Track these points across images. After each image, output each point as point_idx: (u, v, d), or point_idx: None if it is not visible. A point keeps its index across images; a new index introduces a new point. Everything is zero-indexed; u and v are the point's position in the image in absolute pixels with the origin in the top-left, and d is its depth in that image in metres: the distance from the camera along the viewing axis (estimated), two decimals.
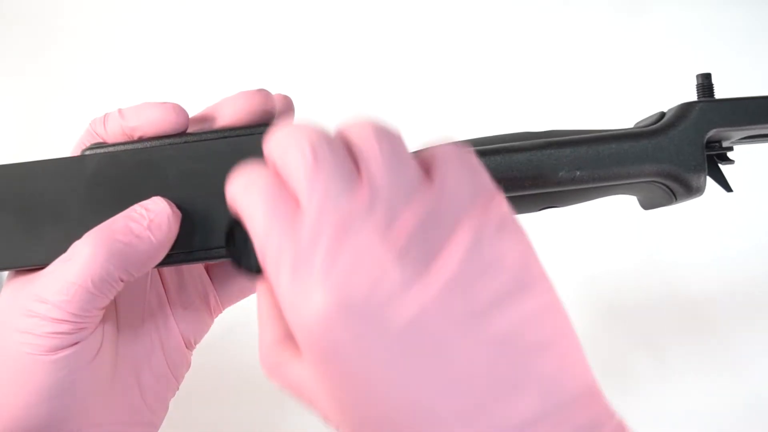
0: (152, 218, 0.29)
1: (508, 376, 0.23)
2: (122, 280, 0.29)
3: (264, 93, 0.32)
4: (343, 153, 0.25)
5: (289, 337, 0.27)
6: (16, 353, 0.28)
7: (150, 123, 0.31)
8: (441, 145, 0.26)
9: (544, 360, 0.24)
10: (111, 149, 0.31)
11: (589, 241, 0.60)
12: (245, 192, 0.26)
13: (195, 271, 0.35)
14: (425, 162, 0.26)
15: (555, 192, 0.33)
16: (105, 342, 0.30)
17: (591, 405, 0.25)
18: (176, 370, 0.34)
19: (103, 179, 0.30)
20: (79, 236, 0.29)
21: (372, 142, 0.25)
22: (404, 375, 0.23)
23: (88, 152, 0.31)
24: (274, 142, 0.26)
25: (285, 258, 0.24)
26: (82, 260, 0.28)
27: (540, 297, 0.25)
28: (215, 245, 0.30)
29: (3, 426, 0.29)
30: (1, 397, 0.28)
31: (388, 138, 0.26)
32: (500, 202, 0.25)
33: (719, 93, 0.34)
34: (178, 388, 0.35)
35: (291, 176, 0.25)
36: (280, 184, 0.25)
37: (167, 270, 0.35)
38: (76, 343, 0.28)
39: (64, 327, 0.28)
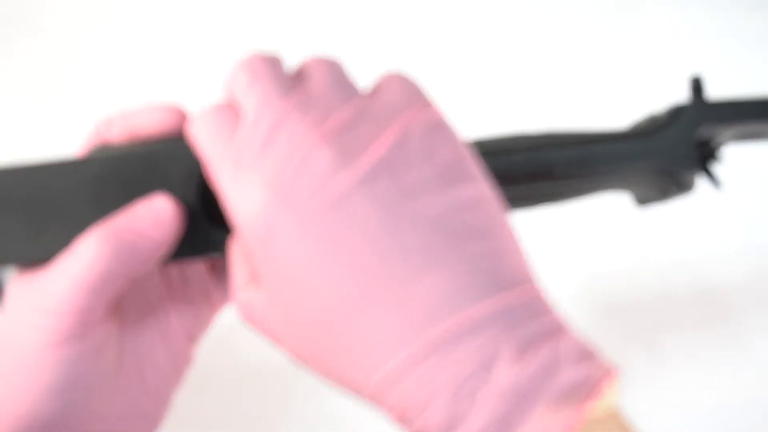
0: (156, 216, 0.30)
1: (438, 257, 0.24)
2: (127, 277, 0.29)
3: None
4: (283, 69, 0.28)
5: (255, 275, 0.28)
6: (23, 348, 0.28)
7: (152, 124, 0.31)
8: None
9: (476, 244, 0.25)
10: (115, 150, 0.32)
11: (585, 239, 0.60)
12: (196, 124, 0.28)
13: (197, 267, 0.36)
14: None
15: (549, 189, 0.34)
16: (110, 337, 0.31)
17: (527, 292, 0.25)
18: (178, 366, 0.35)
19: (107, 179, 0.31)
20: (83, 234, 0.29)
21: (314, 61, 0.28)
22: (334, 259, 0.24)
23: (92, 153, 0.32)
24: (229, 74, 0.28)
25: (226, 162, 0.27)
26: (87, 257, 0.28)
27: (472, 189, 0.26)
28: (217, 242, 0.31)
29: (10, 421, 0.29)
30: (7, 393, 0.29)
31: (331, 62, 0.28)
32: (435, 109, 0.28)
33: (712, 94, 0.35)
34: (180, 383, 0.35)
35: (235, 93, 0.28)
36: (227, 107, 0.28)
37: (170, 265, 0.35)
38: (81, 339, 0.29)
39: (70, 322, 0.28)
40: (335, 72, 0.28)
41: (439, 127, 0.27)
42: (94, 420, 0.31)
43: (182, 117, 0.31)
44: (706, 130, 0.34)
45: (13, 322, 0.29)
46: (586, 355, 0.25)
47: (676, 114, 0.34)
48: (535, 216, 0.45)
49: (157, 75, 0.65)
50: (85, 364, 0.29)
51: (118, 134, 0.32)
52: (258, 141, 0.26)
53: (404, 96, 0.27)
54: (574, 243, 0.60)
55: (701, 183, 0.36)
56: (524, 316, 0.24)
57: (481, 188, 0.26)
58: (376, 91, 0.28)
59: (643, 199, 0.38)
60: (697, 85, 0.35)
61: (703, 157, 0.35)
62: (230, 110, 0.28)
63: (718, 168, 0.36)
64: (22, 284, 0.30)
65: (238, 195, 0.26)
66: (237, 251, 0.29)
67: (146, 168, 0.31)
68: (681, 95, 0.36)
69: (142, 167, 0.31)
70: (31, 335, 0.28)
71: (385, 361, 0.24)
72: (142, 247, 0.29)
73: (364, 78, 0.30)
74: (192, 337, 0.35)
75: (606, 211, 0.57)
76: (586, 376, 0.24)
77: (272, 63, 0.28)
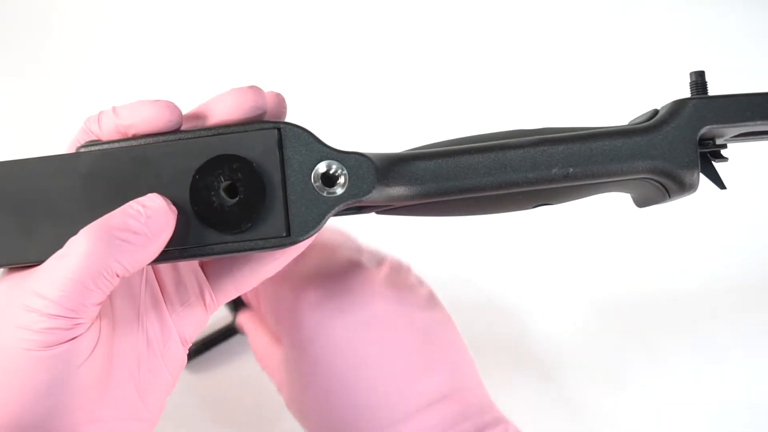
0: (149, 214, 0.29)
1: (431, 358, 0.37)
2: (118, 276, 0.29)
3: (255, 90, 0.32)
4: None
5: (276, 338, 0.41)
6: (12, 349, 0.28)
7: (144, 121, 0.31)
8: None
9: (451, 353, 0.37)
10: (106, 146, 0.31)
11: (583, 240, 0.60)
12: None
13: (190, 267, 0.35)
14: None
15: (548, 189, 0.33)
16: (101, 338, 0.30)
17: (482, 394, 0.38)
18: (172, 367, 0.34)
19: (98, 176, 0.31)
20: (74, 233, 0.29)
21: None
22: (362, 356, 0.36)
23: (83, 149, 0.31)
24: None
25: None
26: (79, 255, 0.28)
27: (443, 315, 0.40)
28: (210, 242, 0.30)
29: (1, 422, 0.29)
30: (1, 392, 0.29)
31: None
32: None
33: (713, 90, 0.34)
34: (174, 385, 0.35)
35: None
36: None
37: (162, 266, 0.35)
38: (72, 339, 0.28)
39: (61, 323, 0.28)
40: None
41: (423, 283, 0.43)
42: (87, 421, 0.30)
43: (175, 113, 0.31)
44: (709, 128, 0.33)
45: (3, 322, 0.29)
46: None
47: (676, 110, 0.33)
48: (534, 217, 0.44)
49: (150, 72, 0.65)
50: (75, 365, 0.29)
51: (109, 131, 0.31)
52: None
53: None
54: (572, 244, 0.60)
55: (704, 183, 0.35)
56: (475, 411, 0.37)
57: (446, 314, 0.40)
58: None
59: (643, 201, 0.37)
60: (698, 81, 0.34)
61: (706, 156, 0.34)
62: None
63: (722, 167, 0.35)
64: (8, 284, 0.30)
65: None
66: (253, 331, 0.41)
67: (138, 166, 0.31)
68: (681, 93, 0.35)
69: (134, 165, 0.31)
70: (20, 336, 0.28)
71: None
72: (135, 246, 0.29)
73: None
74: (185, 338, 0.35)
75: (604, 212, 0.57)
76: None
77: None
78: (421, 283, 0.41)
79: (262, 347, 0.45)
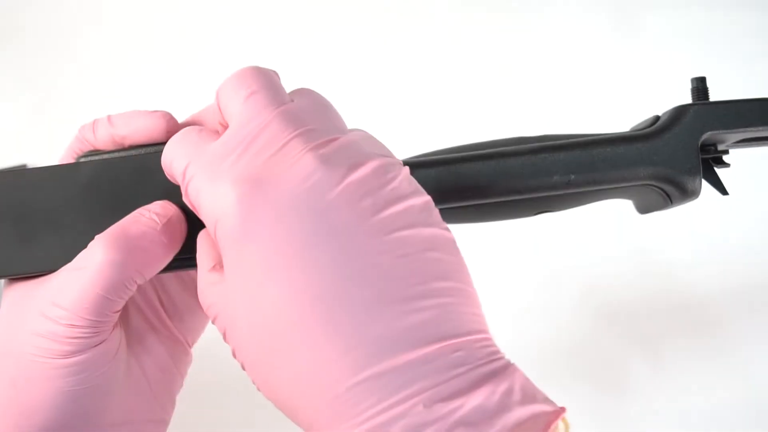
0: (164, 222, 0.29)
1: (397, 291, 0.24)
2: (136, 283, 0.29)
3: None
4: (275, 81, 0.28)
5: (220, 263, 0.28)
6: (32, 359, 0.28)
7: (139, 131, 0.31)
8: None
9: (438, 284, 0.25)
10: (106, 156, 0.31)
11: (585, 245, 0.60)
12: (171, 141, 0.29)
13: (192, 272, 0.35)
14: None
15: (550, 196, 0.33)
16: (120, 343, 0.31)
17: (474, 342, 0.25)
18: (180, 365, 0.35)
19: (98, 186, 0.31)
20: (76, 242, 0.29)
21: (304, 89, 0.28)
22: (298, 270, 0.24)
23: (83, 159, 0.31)
24: (220, 84, 0.28)
25: (203, 161, 0.26)
26: (99, 265, 0.28)
27: (441, 232, 0.26)
28: None
29: (25, 429, 0.29)
30: (17, 401, 0.29)
31: (319, 96, 0.28)
32: (405, 166, 0.27)
33: (714, 96, 0.34)
34: (182, 384, 0.35)
35: (222, 100, 0.28)
36: (202, 126, 0.29)
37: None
38: (94, 346, 0.28)
39: (83, 332, 0.28)
40: (325, 102, 0.28)
41: (412, 179, 0.27)
42: (107, 425, 0.30)
43: (171, 123, 0.31)
44: (710, 134, 0.33)
45: (19, 332, 0.29)
46: (530, 398, 0.24)
47: (677, 116, 0.33)
48: (535, 223, 0.44)
49: (146, 79, 0.65)
50: (98, 370, 0.29)
51: (104, 140, 0.31)
52: (242, 141, 0.26)
53: (379, 146, 0.27)
54: (575, 250, 0.60)
55: (706, 188, 0.35)
56: (467, 363, 0.24)
57: (448, 234, 0.27)
58: (355, 134, 0.27)
59: (645, 207, 0.37)
60: (700, 87, 0.34)
61: (708, 161, 0.34)
62: (207, 128, 0.29)
63: (723, 172, 0.35)
64: (17, 294, 0.30)
65: (216, 190, 0.25)
66: (205, 238, 0.29)
67: (138, 175, 0.31)
68: (682, 99, 0.35)
69: (134, 174, 0.31)
70: (42, 344, 0.28)
71: (327, 391, 0.24)
72: (152, 254, 0.29)
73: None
74: (191, 339, 0.36)
75: (606, 218, 0.56)
76: (533, 415, 0.23)
77: (263, 74, 0.28)
78: (415, 192, 0.26)
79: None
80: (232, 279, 0.25)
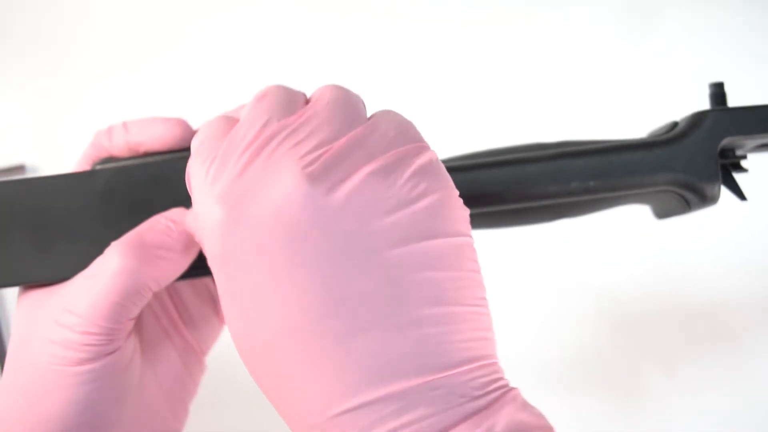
0: (180, 230, 0.29)
1: (386, 316, 0.22)
2: (151, 291, 0.29)
3: None
4: (291, 95, 0.26)
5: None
6: (46, 366, 0.28)
7: (155, 138, 0.31)
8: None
9: (430, 309, 0.23)
10: (121, 164, 0.31)
11: (598, 251, 0.60)
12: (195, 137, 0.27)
13: (205, 281, 0.36)
14: None
15: (568, 203, 0.33)
16: (135, 350, 0.31)
17: (470, 373, 0.23)
18: (193, 373, 0.35)
19: (114, 193, 0.31)
20: (92, 250, 0.29)
21: (323, 88, 0.27)
22: (283, 295, 0.22)
23: (98, 167, 0.31)
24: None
25: (200, 171, 0.25)
26: (114, 272, 0.28)
27: (446, 245, 0.23)
28: None
29: None
30: (31, 408, 0.28)
31: (337, 89, 0.26)
32: (427, 151, 0.25)
33: (732, 99, 0.34)
34: (196, 393, 0.35)
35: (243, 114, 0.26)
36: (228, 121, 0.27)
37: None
38: (109, 354, 0.28)
39: (97, 339, 0.28)
40: (340, 99, 0.26)
41: (429, 172, 0.24)
42: None
43: (186, 130, 0.31)
44: (729, 140, 0.33)
45: (32, 340, 0.28)
46: None
47: (696, 122, 0.33)
48: (548, 231, 0.44)
49: (161, 85, 0.65)
50: (112, 377, 0.29)
51: (119, 146, 0.31)
52: (233, 157, 0.24)
53: (396, 132, 0.25)
54: (587, 256, 0.60)
55: (723, 194, 0.35)
56: (445, 401, 0.22)
57: (457, 240, 0.24)
58: (371, 121, 0.26)
59: (663, 212, 0.37)
60: (717, 92, 0.34)
61: (726, 167, 0.34)
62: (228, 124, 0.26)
63: (740, 177, 0.35)
64: (31, 302, 0.30)
65: (202, 209, 0.24)
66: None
67: (154, 182, 0.31)
68: (700, 105, 0.35)
69: (150, 182, 0.31)
70: (56, 351, 0.28)
71: (317, 413, 0.23)
72: (168, 261, 0.29)
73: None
74: (205, 347, 0.35)
75: (618, 224, 0.56)
76: None
77: (281, 91, 0.26)
78: (423, 192, 0.24)
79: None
80: (223, 302, 0.25)
